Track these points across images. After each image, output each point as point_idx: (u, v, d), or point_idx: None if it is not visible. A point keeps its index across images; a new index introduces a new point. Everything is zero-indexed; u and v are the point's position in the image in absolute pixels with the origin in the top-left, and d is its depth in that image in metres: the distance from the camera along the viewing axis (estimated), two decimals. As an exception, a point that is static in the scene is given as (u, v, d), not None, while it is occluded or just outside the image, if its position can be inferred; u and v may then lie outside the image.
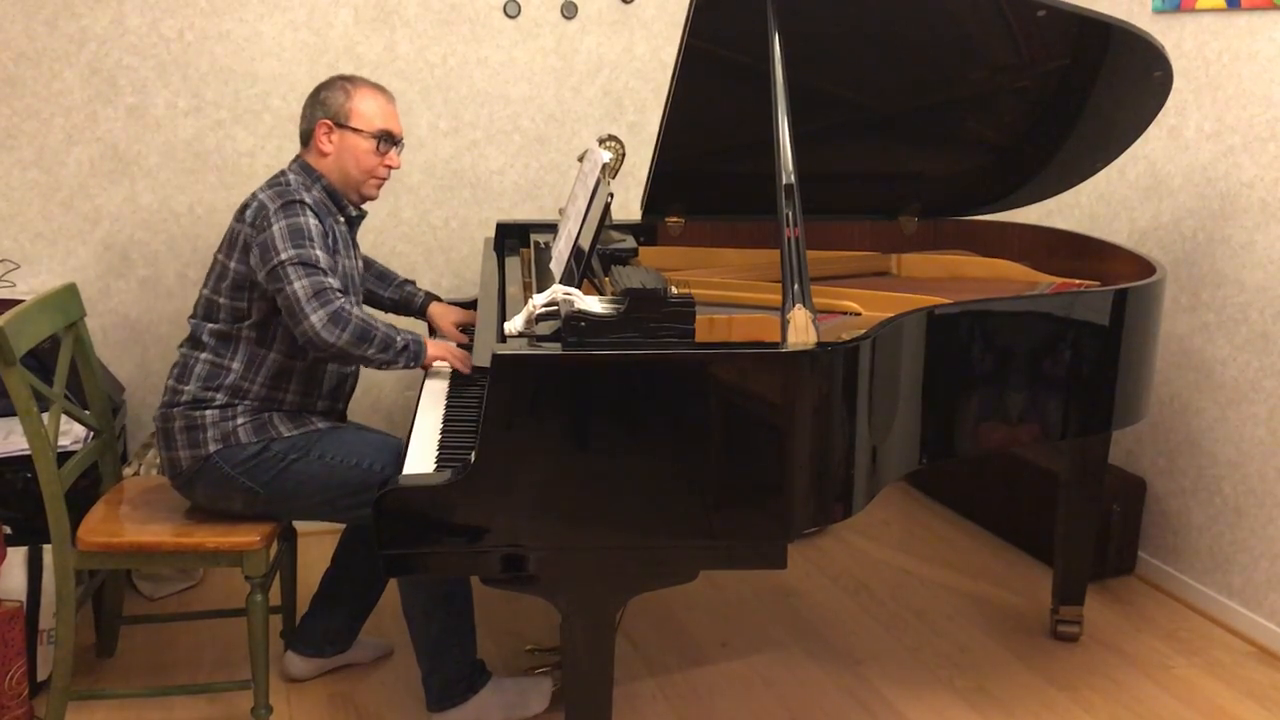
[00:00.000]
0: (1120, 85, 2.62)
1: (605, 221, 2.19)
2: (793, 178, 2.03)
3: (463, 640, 2.39)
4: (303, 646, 2.64)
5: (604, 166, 2.27)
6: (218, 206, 3.22)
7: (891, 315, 2.11)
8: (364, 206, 2.51)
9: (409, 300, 2.77)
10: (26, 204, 3.10)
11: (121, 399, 3.08)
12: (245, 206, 2.34)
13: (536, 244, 2.84)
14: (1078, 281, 2.71)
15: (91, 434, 2.55)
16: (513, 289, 2.53)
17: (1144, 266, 2.63)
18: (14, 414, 2.33)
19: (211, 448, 2.29)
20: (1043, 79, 2.64)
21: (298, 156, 2.44)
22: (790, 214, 2.00)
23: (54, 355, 2.42)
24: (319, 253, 2.25)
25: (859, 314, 2.45)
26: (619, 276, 2.00)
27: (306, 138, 2.42)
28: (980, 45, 2.54)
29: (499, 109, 3.39)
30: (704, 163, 2.77)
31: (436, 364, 2.39)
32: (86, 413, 2.48)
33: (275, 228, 2.24)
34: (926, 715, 2.55)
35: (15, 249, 3.11)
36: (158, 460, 2.61)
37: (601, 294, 2.10)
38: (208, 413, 2.31)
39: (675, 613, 2.99)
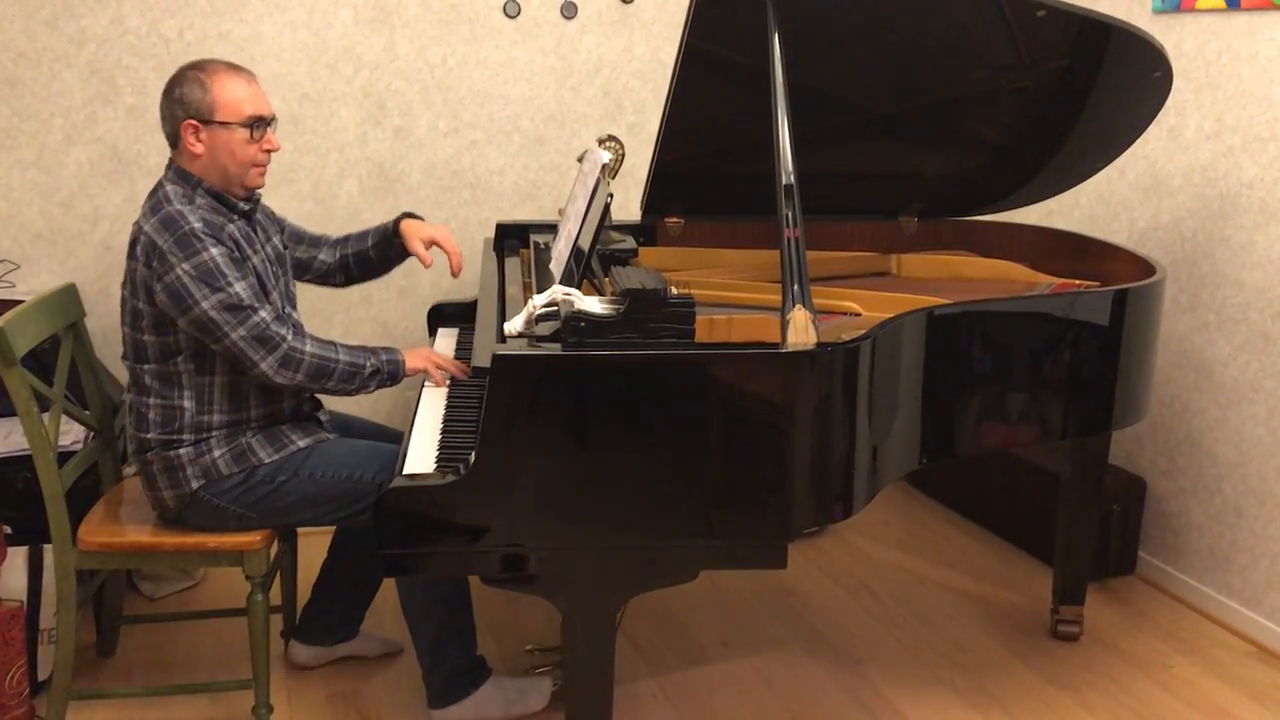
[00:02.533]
0: (1120, 85, 2.62)
1: (605, 222, 2.19)
2: (793, 178, 2.03)
3: (462, 637, 2.40)
4: (304, 635, 2.66)
5: (604, 167, 2.27)
6: (218, 206, 3.22)
7: (891, 315, 2.11)
8: (260, 194, 2.38)
9: (385, 238, 2.62)
10: (26, 204, 3.10)
11: (121, 399, 3.07)
12: (134, 241, 2.21)
13: (536, 244, 2.84)
14: (1078, 282, 2.71)
15: (91, 434, 2.55)
16: (512, 289, 2.54)
17: (1144, 267, 2.64)
18: (14, 414, 2.33)
19: (194, 484, 2.24)
20: (1043, 79, 2.64)
21: (171, 161, 2.28)
22: (790, 214, 2.00)
23: (54, 355, 2.43)
24: (238, 288, 2.13)
25: (859, 314, 2.45)
26: (619, 277, 2.00)
27: (174, 140, 2.25)
28: (980, 45, 2.54)
29: (499, 109, 3.40)
30: (704, 163, 2.77)
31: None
32: (86, 413, 2.48)
33: (180, 271, 2.11)
34: (926, 715, 2.55)
35: (15, 249, 3.11)
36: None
37: (601, 294, 2.10)
38: (182, 451, 2.24)
39: (675, 613, 2.99)
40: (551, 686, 2.49)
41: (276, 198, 3.26)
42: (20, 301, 2.37)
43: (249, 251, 2.28)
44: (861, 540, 3.48)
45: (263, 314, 2.15)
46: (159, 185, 2.26)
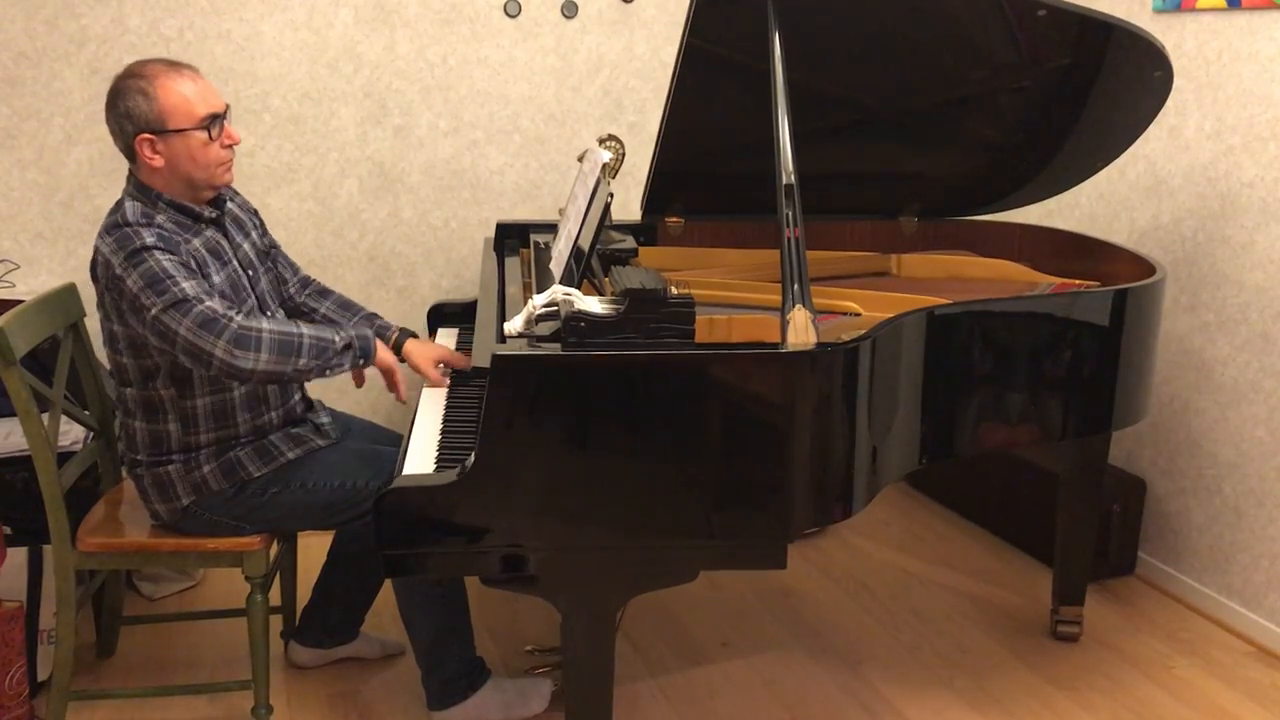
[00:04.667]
0: (1120, 85, 2.62)
1: (605, 221, 2.19)
2: (793, 178, 2.03)
3: (460, 639, 2.40)
4: (304, 637, 2.66)
5: (604, 166, 2.27)
6: (218, 206, 3.22)
7: (891, 315, 2.11)
8: (240, 199, 2.35)
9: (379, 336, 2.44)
10: (26, 204, 3.10)
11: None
12: (94, 258, 2.15)
13: (536, 244, 2.84)
14: (1078, 282, 2.71)
15: (91, 434, 2.55)
16: (512, 289, 2.53)
17: (1144, 267, 2.63)
18: (14, 414, 2.33)
19: (185, 500, 2.24)
20: (1043, 79, 2.64)
21: (130, 175, 2.19)
22: (790, 214, 2.00)
23: (54, 355, 2.42)
24: (184, 285, 2.04)
25: (859, 314, 2.45)
26: (619, 277, 2.00)
27: (129, 153, 2.16)
28: (980, 45, 2.54)
29: (499, 109, 3.39)
30: (704, 163, 2.77)
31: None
32: (86, 413, 2.48)
33: (129, 282, 2.06)
34: (926, 715, 2.55)
35: (15, 249, 3.11)
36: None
37: (601, 294, 2.10)
38: (170, 468, 2.23)
39: (675, 613, 2.99)
40: (551, 687, 2.49)
41: (277, 197, 3.26)
42: (20, 301, 2.37)
43: (215, 266, 2.20)
44: (861, 540, 3.48)
45: (208, 303, 2.04)
46: (119, 203, 2.18)
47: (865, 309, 2.45)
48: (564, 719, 2.03)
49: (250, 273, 2.32)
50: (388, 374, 2.26)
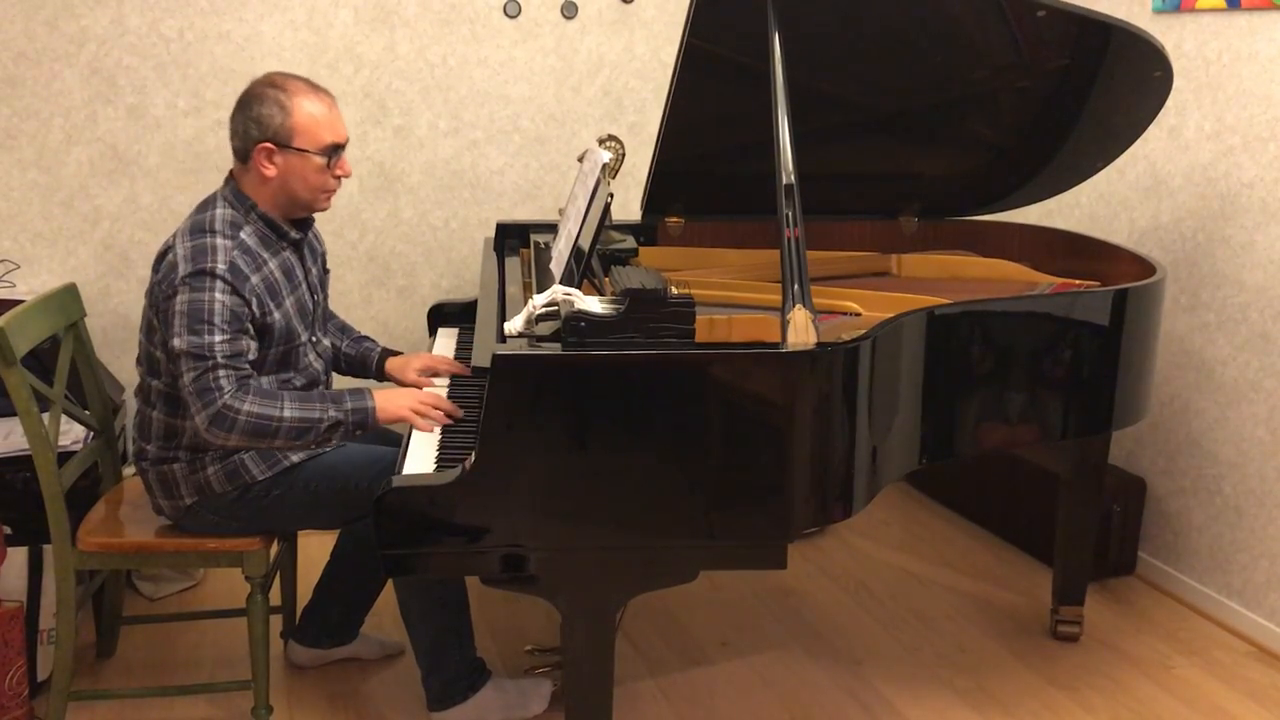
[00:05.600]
0: (1120, 85, 2.62)
1: (605, 221, 2.19)
2: (793, 178, 2.03)
3: (461, 640, 2.39)
4: (302, 636, 2.66)
5: (604, 166, 2.27)
6: (218, 206, 3.22)
7: (892, 315, 2.11)
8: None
9: (365, 358, 2.54)
10: (26, 204, 3.10)
11: (121, 399, 3.08)
12: (165, 251, 2.15)
13: (536, 244, 2.84)
14: (1078, 282, 2.71)
15: (91, 434, 2.55)
16: (513, 289, 2.53)
17: (1144, 267, 2.63)
18: (14, 414, 2.33)
19: (188, 500, 2.24)
20: (1043, 79, 2.64)
21: (231, 176, 2.23)
22: (790, 214, 2.00)
23: (54, 355, 2.42)
24: (216, 339, 2.05)
25: (859, 314, 2.45)
26: (619, 276, 2.00)
27: (243, 155, 2.18)
28: (980, 45, 2.54)
29: (499, 109, 3.39)
30: (704, 163, 2.77)
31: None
32: (86, 413, 2.48)
33: (178, 300, 2.06)
34: (926, 715, 2.55)
35: (15, 249, 3.11)
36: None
37: (601, 294, 2.10)
38: (175, 467, 2.23)
39: (675, 613, 2.99)
40: (551, 687, 2.49)
41: (276, 198, 3.26)
42: (20, 301, 2.37)
43: (287, 289, 2.23)
44: (861, 540, 3.48)
45: (221, 373, 2.05)
46: (211, 203, 2.20)
47: (865, 309, 2.45)
48: (564, 719, 2.03)
49: (315, 298, 2.35)
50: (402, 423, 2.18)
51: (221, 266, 2.09)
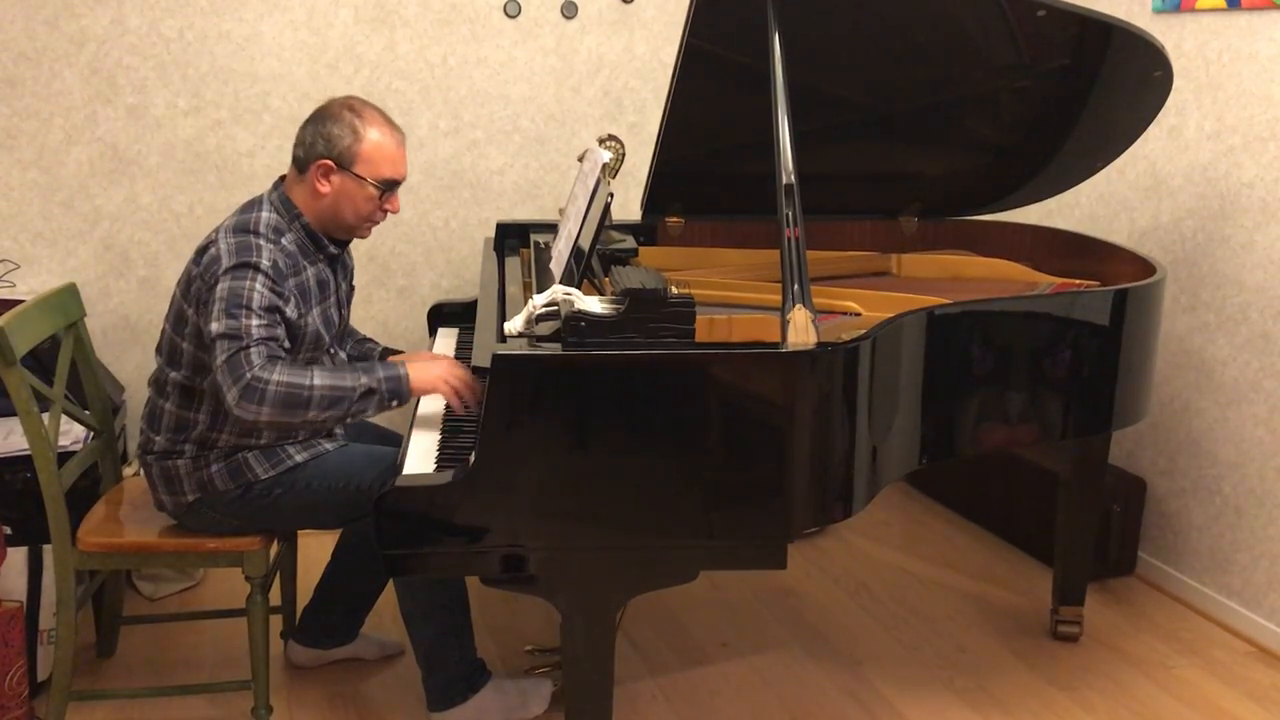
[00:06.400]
0: (1120, 85, 2.62)
1: (605, 221, 2.19)
2: (793, 178, 2.03)
3: (461, 640, 2.39)
4: (302, 636, 2.66)
5: (604, 166, 2.27)
6: (217, 206, 3.22)
7: (891, 315, 2.11)
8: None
9: (366, 358, 2.55)
10: (26, 204, 3.10)
11: (121, 399, 3.08)
12: (207, 245, 2.17)
13: (536, 244, 2.84)
14: (1078, 281, 2.71)
15: (91, 434, 2.55)
16: (513, 289, 2.53)
17: (1144, 267, 2.63)
18: (14, 414, 2.33)
19: (190, 497, 2.25)
20: (1043, 79, 2.64)
21: (282, 180, 2.27)
22: (790, 214, 2.00)
23: (54, 355, 2.42)
24: (253, 322, 2.06)
25: (859, 314, 2.45)
26: (619, 276, 2.00)
27: (302, 166, 2.23)
28: (980, 45, 2.54)
29: (499, 109, 3.39)
30: (704, 163, 2.77)
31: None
32: (86, 413, 2.48)
33: (220, 287, 2.08)
34: (926, 715, 2.55)
35: (15, 249, 3.11)
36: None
37: (601, 294, 2.10)
38: (180, 463, 2.24)
39: (675, 613, 2.99)
40: (551, 687, 2.49)
41: (276, 198, 3.26)
42: (20, 301, 2.37)
43: (318, 299, 2.25)
44: (861, 540, 3.48)
45: (252, 351, 2.05)
46: (258, 204, 2.23)
47: (865, 309, 2.45)
48: (564, 719, 2.03)
49: (342, 312, 2.38)
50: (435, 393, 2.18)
51: (265, 263, 2.12)
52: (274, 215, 2.22)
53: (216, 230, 2.20)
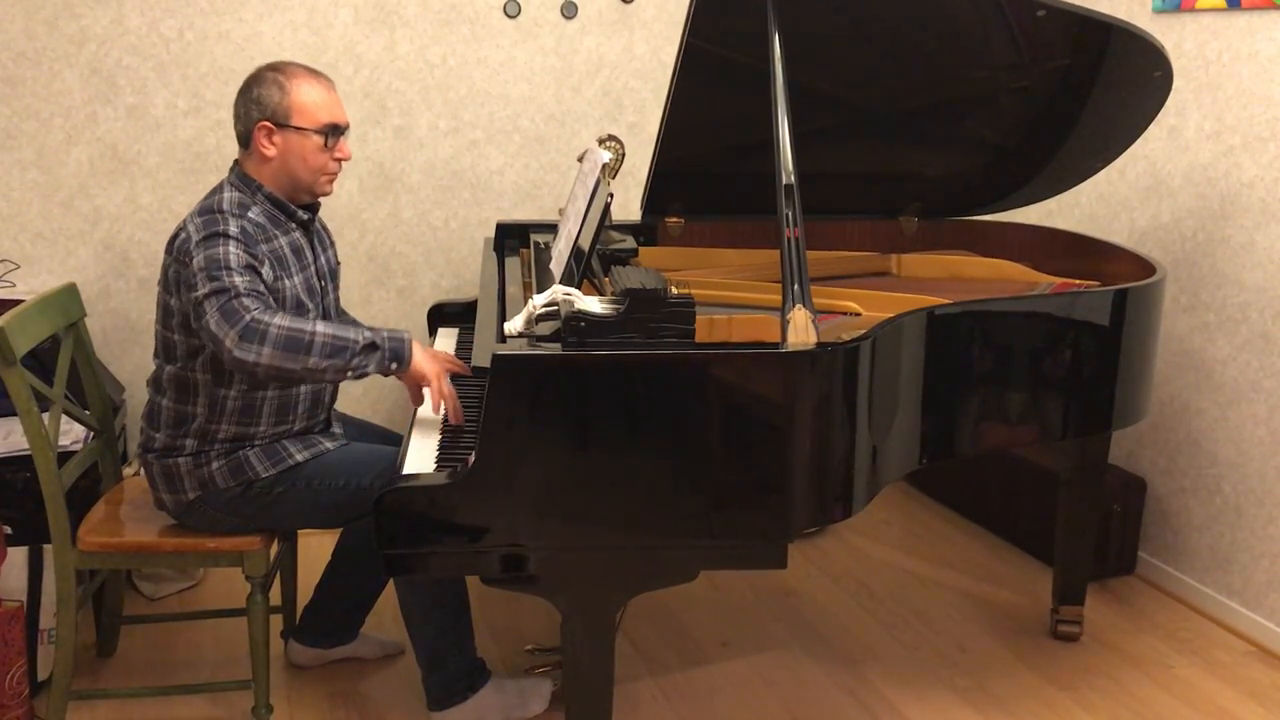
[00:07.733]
0: (1120, 85, 2.62)
1: (605, 221, 2.19)
2: (793, 178, 2.03)
3: (461, 640, 2.39)
4: (303, 636, 2.66)
5: (604, 166, 2.27)
6: (218, 206, 3.22)
7: (892, 315, 2.11)
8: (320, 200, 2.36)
9: None
10: (26, 204, 3.10)
11: (121, 399, 3.08)
12: (176, 234, 2.18)
13: (536, 244, 2.84)
14: (1078, 281, 2.71)
15: (91, 434, 2.55)
16: (513, 289, 2.54)
17: (1144, 267, 2.64)
18: (14, 414, 2.33)
19: (191, 495, 2.25)
20: (1043, 79, 2.64)
21: (237, 162, 2.28)
22: (790, 214, 2.00)
23: (54, 355, 2.42)
24: (235, 278, 2.06)
25: (859, 314, 2.45)
26: (619, 276, 2.00)
27: (245, 140, 2.24)
28: (980, 45, 2.54)
29: (499, 109, 3.39)
30: (704, 163, 2.77)
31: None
32: (86, 413, 2.48)
33: (195, 259, 2.09)
34: (926, 715, 2.55)
35: (15, 249, 3.11)
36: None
37: (601, 294, 2.10)
38: (180, 460, 2.24)
39: (675, 613, 2.99)
40: (551, 687, 2.49)
41: (276, 198, 3.26)
42: (20, 301, 2.37)
43: (296, 267, 2.26)
44: (861, 540, 3.48)
45: (244, 299, 2.05)
46: (218, 189, 2.24)
47: (865, 309, 2.45)
48: (564, 719, 2.03)
49: (323, 283, 2.38)
50: (417, 385, 2.16)
51: (234, 230, 2.13)
52: (236, 194, 2.22)
53: (183, 220, 2.21)
